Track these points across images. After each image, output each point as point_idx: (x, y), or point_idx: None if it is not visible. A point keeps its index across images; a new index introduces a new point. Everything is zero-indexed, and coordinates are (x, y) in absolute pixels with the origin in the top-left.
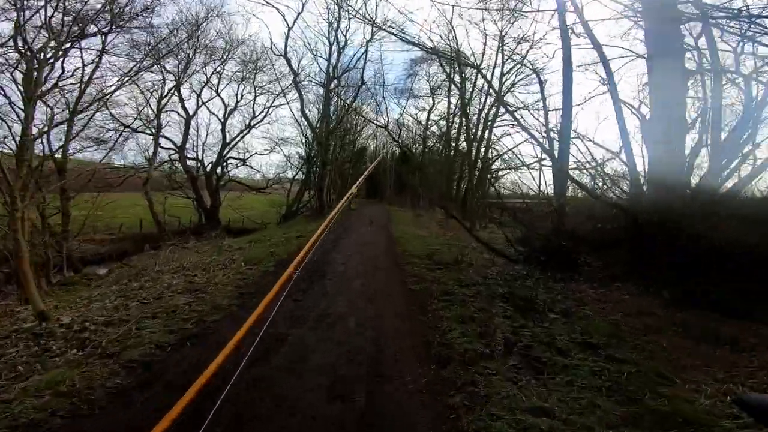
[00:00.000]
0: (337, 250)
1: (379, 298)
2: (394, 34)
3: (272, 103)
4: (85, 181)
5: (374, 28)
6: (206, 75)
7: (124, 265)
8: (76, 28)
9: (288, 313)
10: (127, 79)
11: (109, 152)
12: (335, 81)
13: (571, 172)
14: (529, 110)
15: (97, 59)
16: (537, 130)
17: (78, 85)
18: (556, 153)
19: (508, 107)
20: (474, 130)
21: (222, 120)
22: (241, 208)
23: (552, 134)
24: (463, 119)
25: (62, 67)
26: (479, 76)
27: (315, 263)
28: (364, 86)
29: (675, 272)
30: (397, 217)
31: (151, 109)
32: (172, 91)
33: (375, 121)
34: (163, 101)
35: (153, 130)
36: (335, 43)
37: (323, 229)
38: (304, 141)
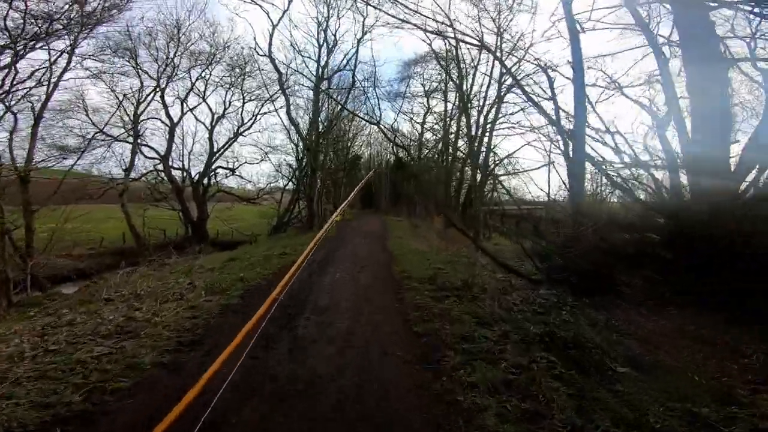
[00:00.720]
0: (324, 271)
1: (371, 349)
2: (388, 12)
3: (260, 109)
4: (50, 193)
5: (366, 15)
6: (191, 80)
7: (93, 283)
8: (32, 27)
9: (239, 377)
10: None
11: (77, 160)
12: (325, 82)
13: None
14: (551, 98)
15: (64, 62)
16: (551, 126)
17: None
18: (570, 153)
19: (521, 85)
20: (474, 132)
21: (209, 128)
22: (231, 220)
23: (565, 135)
24: (463, 118)
25: (15, 69)
26: (477, 72)
27: (292, 292)
28: (356, 89)
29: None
30: (393, 228)
31: (128, 115)
32: (151, 96)
33: (368, 119)
34: (142, 107)
35: (134, 138)
36: (324, 44)
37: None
38: (293, 148)
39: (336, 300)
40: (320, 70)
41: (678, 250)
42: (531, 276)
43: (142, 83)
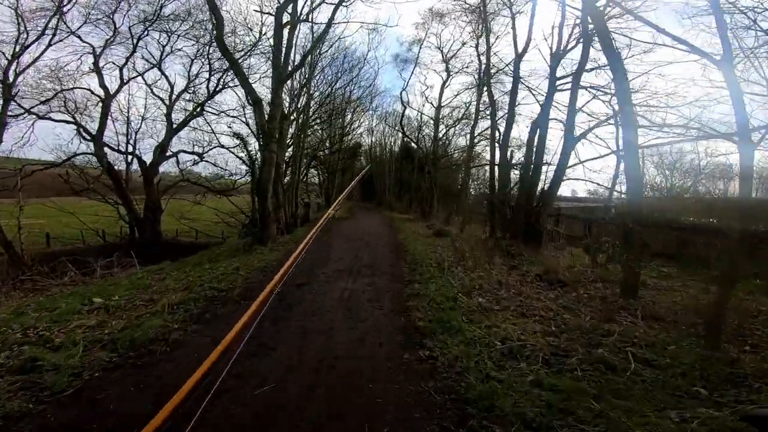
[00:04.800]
0: None
1: None
2: None
3: (223, 77)
4: None
5: None
6: (132, 40)
7: None
8: None
9: None
10: None
11: None
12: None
13: None
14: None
15: None
16: None
17: None
18: None
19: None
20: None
21: (168, 104)
22: (195, 217)
23: None
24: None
25: None
26: None
27: None
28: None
29: None
30: (406, 237)
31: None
32: (36, 45)
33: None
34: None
35: (3, 102)
36: None
37: None
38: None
39: None
40: None
41: None
42: None
43: (23, 28)
